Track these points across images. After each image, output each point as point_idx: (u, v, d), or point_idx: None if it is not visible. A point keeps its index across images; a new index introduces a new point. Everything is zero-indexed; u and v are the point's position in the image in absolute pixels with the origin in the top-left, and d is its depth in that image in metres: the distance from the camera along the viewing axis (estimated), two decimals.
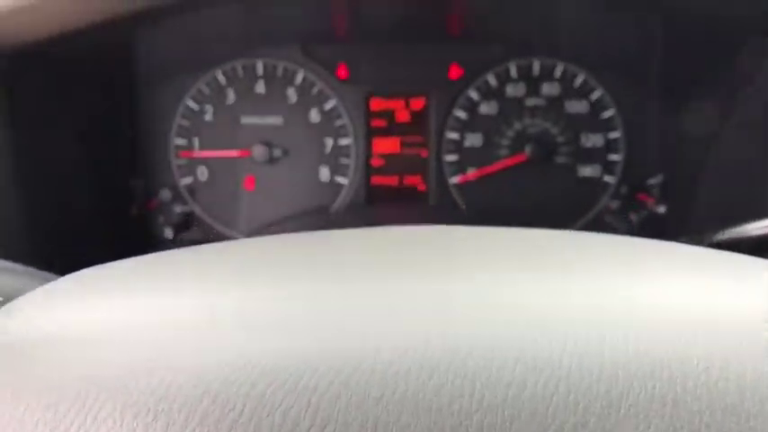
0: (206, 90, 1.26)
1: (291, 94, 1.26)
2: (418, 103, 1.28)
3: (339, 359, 0.30)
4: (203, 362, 0.30)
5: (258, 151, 1.25)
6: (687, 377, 0.29)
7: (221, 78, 1.26)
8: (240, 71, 1.25)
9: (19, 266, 0.69)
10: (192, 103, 1.26)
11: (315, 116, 1.27)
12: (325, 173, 1.29)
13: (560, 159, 1.28)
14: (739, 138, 1.13)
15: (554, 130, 1.27)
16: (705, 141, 1.20)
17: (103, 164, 1.21)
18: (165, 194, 1.26)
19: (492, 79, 1.26)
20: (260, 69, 1.25)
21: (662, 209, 1.30)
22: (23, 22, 0.84)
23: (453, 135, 1.28)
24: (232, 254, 0.45)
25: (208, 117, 1.26)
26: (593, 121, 1.27)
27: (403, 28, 1.22)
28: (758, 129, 1.05)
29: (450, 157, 1.29)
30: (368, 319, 0.33)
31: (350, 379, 0.29)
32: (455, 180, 1.29)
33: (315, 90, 1.26)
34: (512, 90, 1.27)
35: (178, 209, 1.28)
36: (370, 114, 1.28)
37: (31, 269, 0.70)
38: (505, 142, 1.28)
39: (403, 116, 1.29)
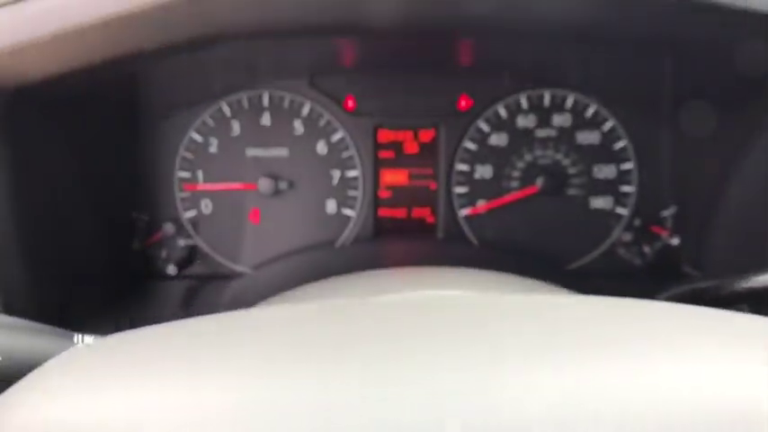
0: (210, 122, 1.23)
1: (298, 126, 1.24)
2: (427, 135, 1.26)
3: None
4: None
5: (264, 184, 1.22)
6: None
7: (226, 110, 1.23)
8: (246, 103, 1.23)
9: (19, 321, 0.66)
10: (196, 136, 1.23)
11: (321, 148, 1.24)
12: (331, 205, 1.26)
13: (572, 191, 1.26)
14: (755, 170, 1.11)
15: (565, 162, 1.25)
16: (719, 173, 1.18)
17: (105, 197, 1.18)
18: (169, 228, 1.22)
19: (502, 110, 1.24)
20: (266, 101, 1.23)
21: (675, 241, 1.27)
22: (25, 61, 0.81)
23: (463, 167, 1.26)
24: (254, 331, 0.42)
25: (212, 149, 1.24)
26: (605, 152, 1.25)
27: (411, 59, 1.19)
28: None
29: (460, 189, 1.26)
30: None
31: None
32: (465, 213, 1.27)
33: (322, 122, 1.24)
34: (522, 121, 1.24)
35: (181, 242, 1.25)
36: (377, 146, 1.26)
37: (30, 323, 0.67)
38: (516, 174, 1.25)
39: (411, 148, 1.26)
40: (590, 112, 1.24)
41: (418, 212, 1.28)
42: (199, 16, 0.73)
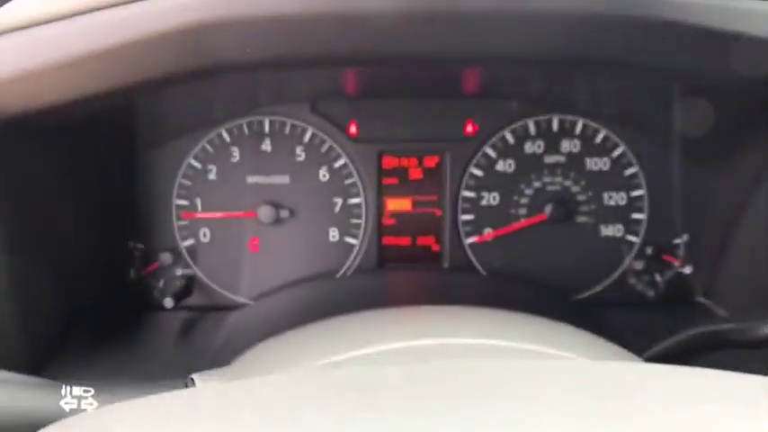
0: (210, 148, 1.20)
1: (299, 153, 1.20)
2: (432, 161, 1.22)
3: None
4: None
5: (264, 212, 1.19)
6: None
7: (226, 136, 1.20)
8: (246, 129, 1.20)
9: (11, 375, 0.62)
10: (194, 162, 1.20)
11: (324, 175, 1.21)
12: (334, 234, 1.22)
13: (581, 219, 1.22)
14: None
15: (575, 189, 1.21)
16: (733, 201, 1.14)
17: (100, 226, 1.15)
18: (166, 258, 1.18)
19: (509, 136, 1.21)
20: (267, 127, 1.20)
21: (688, 270, 1.23)
22: (18, 91, 0.78)
23: (469, 194, 1.22)
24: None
25: (211, 176, 1.20)
26: (615, 178, 1.22)
27: (415, 84, 1.16)
28: None
29: (466, 217, 1.23)
30: None
31: None
32: (471, 241, 1.23)
33: (324, 148, 1.20)
34: (530, 147, 1.21)
35: (179, 272, 1.21)
36: (381, 172, 1.22)
37: (15, 376, 0.63)
38: (524, 201, 1.22)
39: (416, 174, 1.23)
40: (599, 137, 1.21)
41: (423, 240, 1.25)
42: (197, 48, 0.70)
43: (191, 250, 1.21)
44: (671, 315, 1.18)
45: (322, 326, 0.73)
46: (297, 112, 1.19)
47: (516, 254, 1.23)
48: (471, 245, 1.23)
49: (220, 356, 0.98)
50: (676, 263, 1.23)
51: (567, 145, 1.21)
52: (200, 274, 1.22)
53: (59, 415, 0.61)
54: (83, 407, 0.63)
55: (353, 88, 1.18)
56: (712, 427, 0.34)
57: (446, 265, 1.24)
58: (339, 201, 1.22)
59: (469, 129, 1.21)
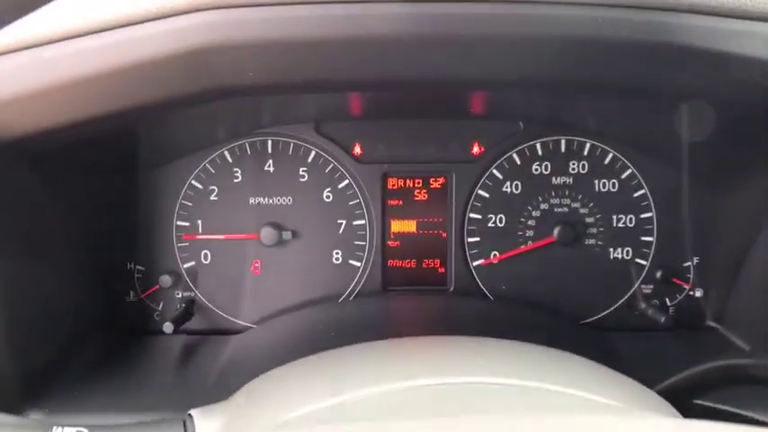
0: (211, 169, 1.17)
1: (303, 173, 1.18)
2: (438, 182, 1.20)
3: None
4: None
5: (266, 233, 1.16)
6: None
7: (228, 156, 1.17)
8: (248, 149, 1.18)
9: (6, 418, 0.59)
10: (196, 183, 1.17)
11: (327, 196, 1.19)
12: (337, 256, 1.20)
13: (590, 241, 1.20)
14: None
15: (583, 211, 1.19)
16: (744, 223, 1.12)
17: (99, 247, 1.12)
18: (166, 280, 1.16)
19: (516, 157, 1.19)
20: (270, 147, 1.18)
21: (699, 293, 1.21)
22: (15, 113, 0.76)
23: (475, 215, 1.20)
24: None
25: (213, 197, 1.18)
26: (623, 200, 1.19)
27: (421, 105, 1.15)
28: None
29: (472, 239, 1.21)
30: None
31: None
32: (477, 263, 1.21)
33: (328, 169, 1.18)
34: (537, 168, 1.19)
35: (179, 294, 1.19)
36: (386, 194, 1.20)
37: (11, 418, 0.60)
38: (531, 223, 1.20)
39: (421, 195, 1.21)
40: (608, 159, 1.19)
41: (428, 263, 1.22)
42: (201, 72, 0.68)
43: (191, 272, 1.19)
44: (681, 341, 1.16)
45: (328, 357, 0.71)
46: (301, 133, 1.17)
47: (523, 277, 1.20)
48: (477, 268, 1.21)
49: (221, 384, 0.95)
50: (686, 286, 1.20)
51: (575, 166, 1.19)
52: (200, 297, 1.19)
53: None
54: None
55: (358, 109, 1.16)
56: None
57: (452, 288, 1.21)
58: (343, 222, 1.19)
59: (476, 150, 1.19)
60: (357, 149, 1.19)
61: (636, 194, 1.19)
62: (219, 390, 0.89)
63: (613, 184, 1.19)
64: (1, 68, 0.72)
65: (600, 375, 0.68)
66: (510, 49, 0.70)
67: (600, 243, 1.20)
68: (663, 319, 1.14)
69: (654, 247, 1.20)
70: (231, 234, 1.18)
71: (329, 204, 1.19)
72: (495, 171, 1.19)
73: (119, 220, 1.16)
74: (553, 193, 1.19)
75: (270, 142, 1.17)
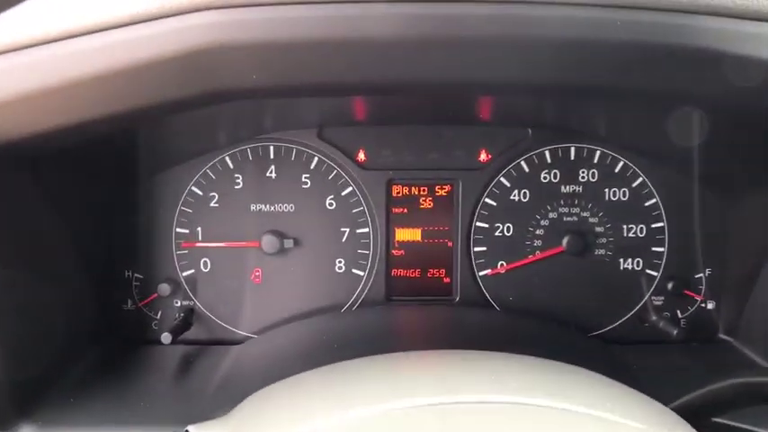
0: (212, 175, 1.15)
1: (305, 180, 1.15)
2: (444, 190, 1.18)
3: None
4: None
5: (267, 241, 1.14)
6: None
7: (229, 162, 1.15)
8: (250, 155, 1.15)
9: None
10: (196, 189, 1.15)
11: (330, 203, 1.16)
12: (340, 264, 1.17)
13: (599, 251, 1.17)
14: None
15: (593, 220, 1.16)
16: (757, 234, 1.09)
17: (97, 255, 1.10)
18: (164, 289, 1.13)
19: (524, 164, 1.16)
20: (271, 153, 1.15)
21: (711, 305, 1.18)
22: (10, 116, 0.73)
23: (482, 224, 1.17)
24: None
25: (213, 204, 1.15)
26: (634, 210, 1.17)
27: (427, 110, 1.12)
28: None
29: (479, 248, 1.18)
30: None
31: None
32: (484, 273, 1.18)
33: (331, 175, 1.16)
34: (546, 176, 1.16)
35: (177, 303, 1.16)
36: (390, 201, 1.17)
37: None
38: (539, 232, 1.17)
39: (427, 203, 1.18)
40: (618, 167, 1.16)
41: (433, 272, 1.19)
42: (201, 74, 0.66)
43: (190, 281, 1.16)
44: (693, 354, 1.13)
45: (330, 372, 0.68)
46: (303, 138, 1.15)
47: (531, 288, 1.17)
48: (484, 277, 1.18)
49: (220, 396, 0.92)
50: (698, 298, 1.17)
51: (585, 174, 1.16)
52: (199, 306, 1.16)
53: None
54: None
55: (362, 114, 1.13)
56: None
57: (457, 298, 1.18)
58: (346, 230, 1.17)
59: (483, 156, 1.17)
60: (361, 156, 1.16)
61: (647, 204, 1.16)
62: (218, 402, 0.86)
63: (624, 192, 1.16)
64: None
65: (614, 393, 0.65)
66: (510, 52, 0.68)
67: (610, 253, 1.17)
68: (675, 332, 1.11)
69: (665, 257, 1.17)
70: (232, 242, 1.15)
71: (332, 212, 1.16)
72: (502, 179, 1.16)
73: (117, 226, 1.14)
74: (562, 202, 1.16)
75: (272, 148, 1.15)
